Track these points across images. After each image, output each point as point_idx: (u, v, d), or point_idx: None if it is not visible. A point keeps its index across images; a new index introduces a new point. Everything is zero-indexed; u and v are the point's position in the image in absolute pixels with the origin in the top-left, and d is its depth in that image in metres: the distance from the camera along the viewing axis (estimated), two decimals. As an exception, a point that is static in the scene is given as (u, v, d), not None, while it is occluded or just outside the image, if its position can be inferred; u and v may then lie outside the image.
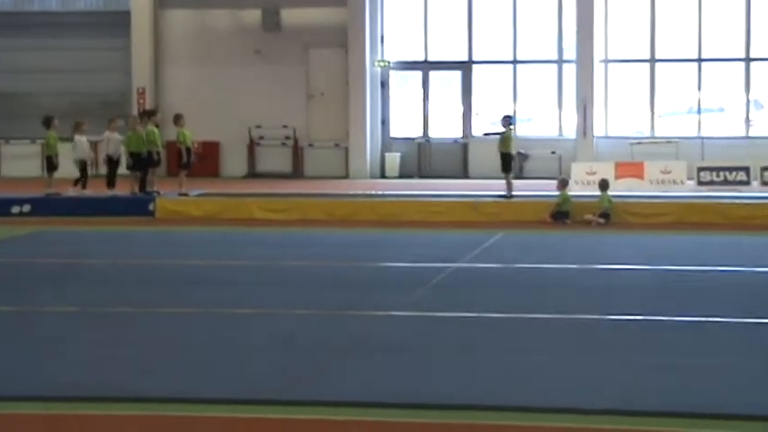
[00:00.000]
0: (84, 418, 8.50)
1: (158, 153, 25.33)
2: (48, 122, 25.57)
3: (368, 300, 13.49)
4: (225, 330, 11.73)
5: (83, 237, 21.42)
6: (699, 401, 8.68)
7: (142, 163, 25.06)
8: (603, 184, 23.01)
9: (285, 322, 12.18)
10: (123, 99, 33.33)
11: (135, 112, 30.22)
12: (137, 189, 25.14)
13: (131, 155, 25.03)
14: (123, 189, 25.21)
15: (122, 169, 25.59)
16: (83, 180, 25.32)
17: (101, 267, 16.95)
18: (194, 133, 26.31)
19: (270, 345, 10.95)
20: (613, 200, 22.84)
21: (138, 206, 24.42)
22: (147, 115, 26.22)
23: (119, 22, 33.30)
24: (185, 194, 25.10)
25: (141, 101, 32.78)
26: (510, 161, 24.31)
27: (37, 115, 28.09)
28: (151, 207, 24.37)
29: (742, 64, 31.31)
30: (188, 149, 25.47)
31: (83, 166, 25.39)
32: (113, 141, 25.48)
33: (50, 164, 25.42)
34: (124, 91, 33.50)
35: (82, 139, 25.53)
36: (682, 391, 9.00)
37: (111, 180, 25.25)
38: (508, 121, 24.70)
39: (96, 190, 25.12)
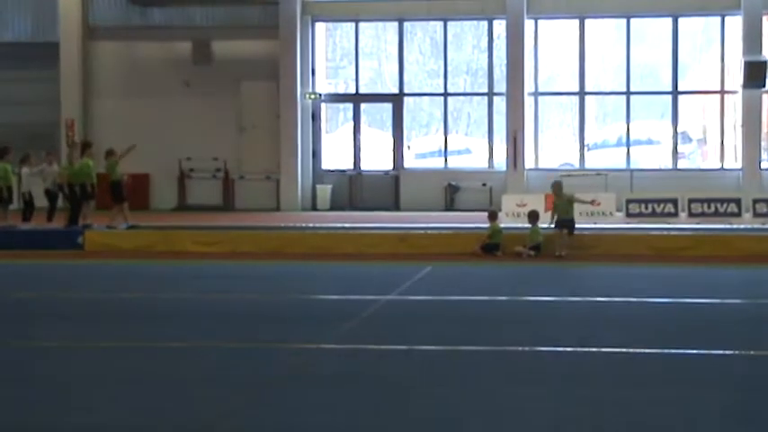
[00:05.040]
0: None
1: (93, 186, 25.02)
2: (2, 153, 25.15)
3: (298, 333, 13.42)
4: (155, 364, 11.61)
5: (8, 270, 21.14)
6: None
7: (75, 196, 24.81)
8: (533, 216, 23.08)
9: (215, 356, 12.09)
10: (51, 131, 33.05)
11: (63, 144, 29.95)
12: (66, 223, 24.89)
13: (69, 186, 24.83)
14: (55, 223, 25.14)
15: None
16: (28, 212, 25.10)
17: (24, 301, 16.73)
18: (124, 165, 26.05)
19: (201, 379, 10.84)
20: (543, 232, 22.94)
21: (67, 239, 24.17)
22: (82, 148, 25.81)
23: (47, 53, 33.09)
24: (113, 227, 24.86)
25: (70, 133, 32.52)
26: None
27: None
28: (80, 240, 24.13)
29: (669, 97, 31.73)
30: (115, 182, 25.08)
31: (28, 198, 25.19)
32: (51, 174, 25.23)
33: (2, 196, 24.91)
34: (52, 123, 33.22)
35: (26, 172, 25.35)
36: (600, 424, 9.03)
37: (51, 214, 25.05)
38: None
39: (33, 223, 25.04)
